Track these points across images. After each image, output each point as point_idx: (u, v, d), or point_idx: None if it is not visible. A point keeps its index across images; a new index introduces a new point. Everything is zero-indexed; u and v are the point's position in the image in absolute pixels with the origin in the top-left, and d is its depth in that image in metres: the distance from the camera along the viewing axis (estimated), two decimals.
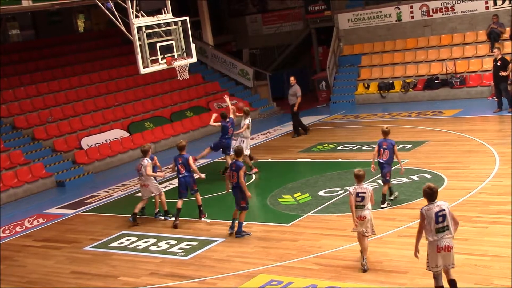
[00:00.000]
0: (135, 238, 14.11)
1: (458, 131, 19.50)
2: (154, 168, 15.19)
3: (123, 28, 15.45)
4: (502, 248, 10.65)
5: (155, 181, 15.15)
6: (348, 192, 10.68)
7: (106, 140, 23.05)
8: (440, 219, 8.76)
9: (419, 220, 8.99)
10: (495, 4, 26.13)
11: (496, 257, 10.36)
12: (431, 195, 8.88)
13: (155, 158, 15.35)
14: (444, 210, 8.80)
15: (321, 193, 15.33)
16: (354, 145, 19.74)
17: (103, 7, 16.15)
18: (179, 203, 14.60)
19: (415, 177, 15.28)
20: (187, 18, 16.10)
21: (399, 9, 28.47)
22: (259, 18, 36.06)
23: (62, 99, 24.57)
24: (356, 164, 17.52)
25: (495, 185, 14.16)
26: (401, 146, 18.35)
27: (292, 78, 22.15)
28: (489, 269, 10.01)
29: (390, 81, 27.28)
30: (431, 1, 27.57)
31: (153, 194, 15.07)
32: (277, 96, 30.00)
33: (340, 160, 18.53)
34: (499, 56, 21.42)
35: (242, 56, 34.88)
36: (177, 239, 13.56)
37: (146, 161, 14.74)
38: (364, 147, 18.90)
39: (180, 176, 14.60)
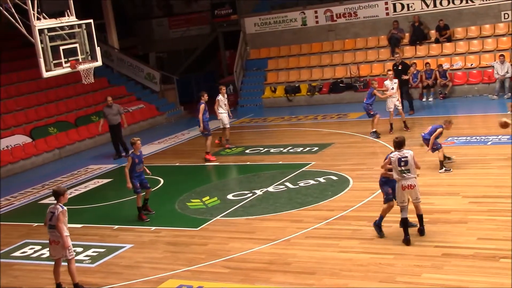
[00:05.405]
0: (39, 247, 13.65)
1: (362, 133, 19.99)
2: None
3: (23, 30, 14.92)
4: (404, 247, 10.96)
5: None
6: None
7: (7, 146, 22.26)
8: (402, 163, 10.90)
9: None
10: (394, 10, 27.03)
11: (400, 255, 10.67)
12: (397, 143, 11.09)
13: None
14: (406, 157, 10.92)
15: (230, 196, 15.35)
16: (262, 148, 19.90)
17: (1, 8, 15.56)
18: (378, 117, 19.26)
19: (321, 179, 15.55)
20: (91, 20, 15.71)
21: (304, 14, 28.97)
22: (166, 22, 35.82)
23: None
24: (264, 167, 17.79)
25: None
26: (307, 148, 18.66)
27: (109, 98, 21.25)
28: (393, 267, 10.31)
29: (297, 85, 27.72)
30: (335, 7, 28.21)
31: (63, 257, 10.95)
32: (184, 100, 29.85)
33: (248, 163, 18.62)
34: (400, 61, 22.14)
35: (149, 60, 34.53)
36: (83, 246, 13.22)
37: (61, 208, 10.74)
38: (272, 150, 19.06)
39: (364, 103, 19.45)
